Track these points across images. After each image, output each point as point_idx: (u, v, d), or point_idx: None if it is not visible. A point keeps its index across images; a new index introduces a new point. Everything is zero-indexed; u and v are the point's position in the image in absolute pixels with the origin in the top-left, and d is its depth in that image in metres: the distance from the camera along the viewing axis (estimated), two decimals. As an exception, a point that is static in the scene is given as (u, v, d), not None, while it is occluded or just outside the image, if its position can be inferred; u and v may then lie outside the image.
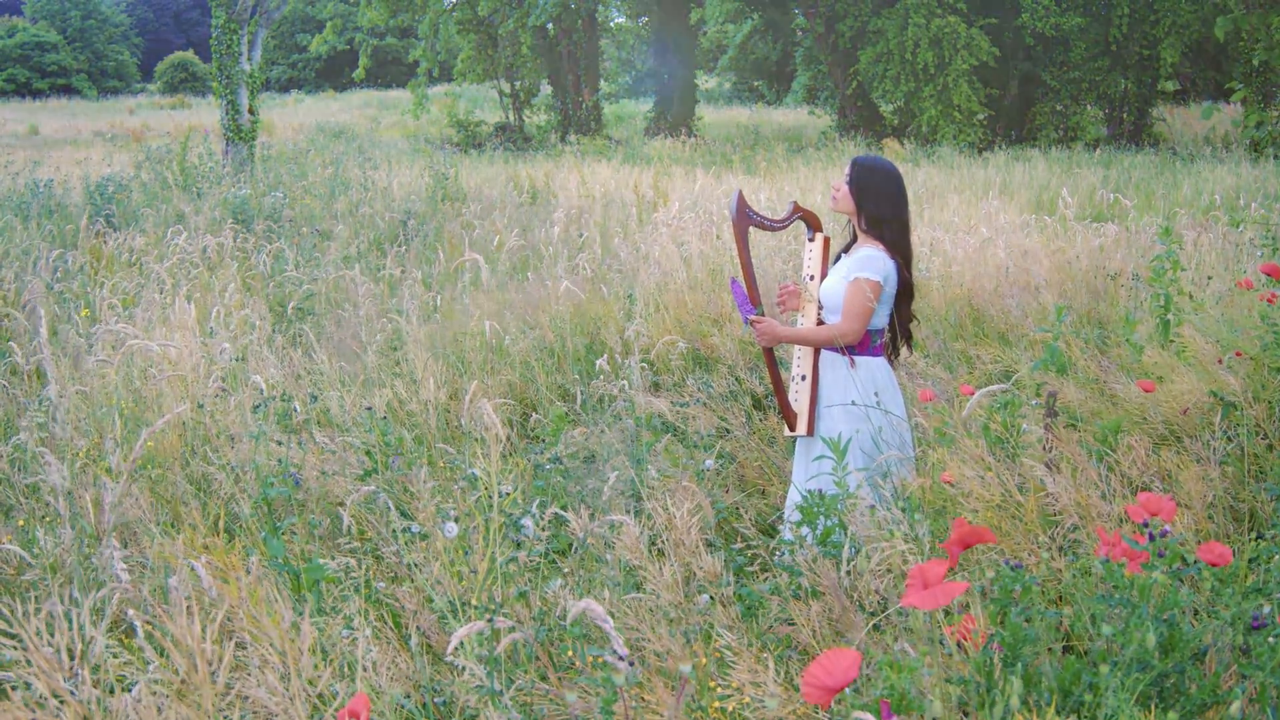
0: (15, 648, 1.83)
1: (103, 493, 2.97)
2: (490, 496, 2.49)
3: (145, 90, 53.45)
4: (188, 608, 1.89)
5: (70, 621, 1.82)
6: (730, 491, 4.12)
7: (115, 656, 2.10)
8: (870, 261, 3.45)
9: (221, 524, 2.77)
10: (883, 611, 2.40)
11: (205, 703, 1.73)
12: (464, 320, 6.01)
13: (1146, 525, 1.90)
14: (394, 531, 3.06)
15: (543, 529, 2.69)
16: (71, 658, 1.79)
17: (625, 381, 4.37)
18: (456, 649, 1.99)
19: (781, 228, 3.71)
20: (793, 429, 3.58)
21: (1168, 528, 1.88)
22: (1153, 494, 1.98)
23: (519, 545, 2.57)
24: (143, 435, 2.78)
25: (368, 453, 3.84)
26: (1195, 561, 1.92)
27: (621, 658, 1.55)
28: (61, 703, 1.76)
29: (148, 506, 3.54)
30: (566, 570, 2.90)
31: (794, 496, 3.59)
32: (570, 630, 2.27)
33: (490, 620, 1.75)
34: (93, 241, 7.91)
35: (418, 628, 2.61)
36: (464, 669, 2.08)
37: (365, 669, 2.16)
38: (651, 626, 2.37)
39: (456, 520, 2.49)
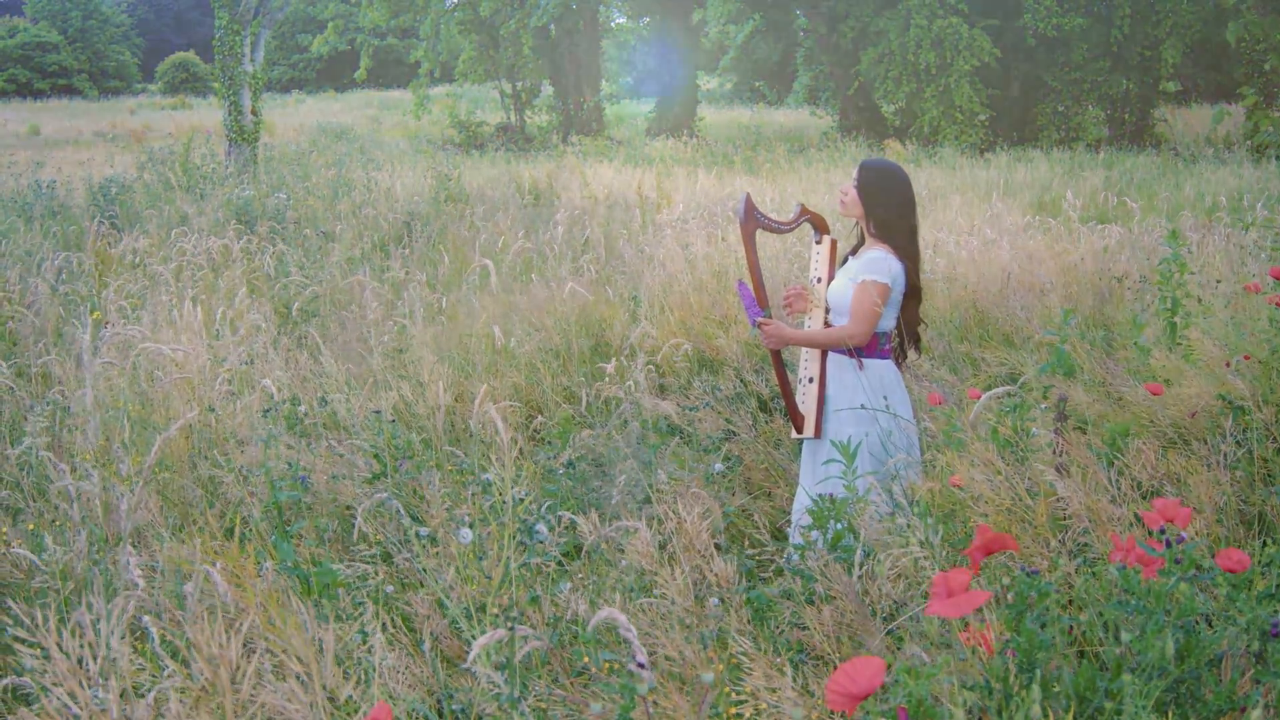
0: (34, 655, 1.83)
1: (114, 497, 2.97)
2: (503, 501, 2.49)
3: (146, 90, 53.41)
4: (209, 614, 1.89)
5: (97, 631, 1.82)
6: (737, 494, 4.12)
7: (130, 663, 2.10)
8: (878, 264, 3.45)
9: (237, 529, 2.77)
10: (896, 616, 2.40)
11: (226, 710, 1.73)
12: (469, 322, 6.01)
13: (1162, 531, 1.90)
14: (406, 536, 3.06)
15: (559, 535, 2.69)
16: (94, 659, 1.80)
17: (631, 383, 4.37)
18: (475, 657, 1.99)
19: (789, 230, 3.71)
20: (800, 431, 3.58)
21: (1184, 534, 1.89)
22: (1167, 500, 1.98)
23: (529, 549, 2.57)
24: (157, 441, 2.78)
25: (376, 456, 3.84)
26: (1210, 568, 1.92)
27: (642, 665, 1.55)
28: (84, 709, 1.76)
29: (157, 510, 3.54)
30: (579, 575, 2.90)
31: (801, 499, 3.59)
32: (584, 636, 2.27)
33: (511, 628, 1.75)
34: (98, 243, 7.92)
35: (431, 633, 2.61)
36: (478, 675, 2.08)
37: (380, 675, 2.16)
38: (665, 631, 2.37)
39: (471, 526, 2.49)
